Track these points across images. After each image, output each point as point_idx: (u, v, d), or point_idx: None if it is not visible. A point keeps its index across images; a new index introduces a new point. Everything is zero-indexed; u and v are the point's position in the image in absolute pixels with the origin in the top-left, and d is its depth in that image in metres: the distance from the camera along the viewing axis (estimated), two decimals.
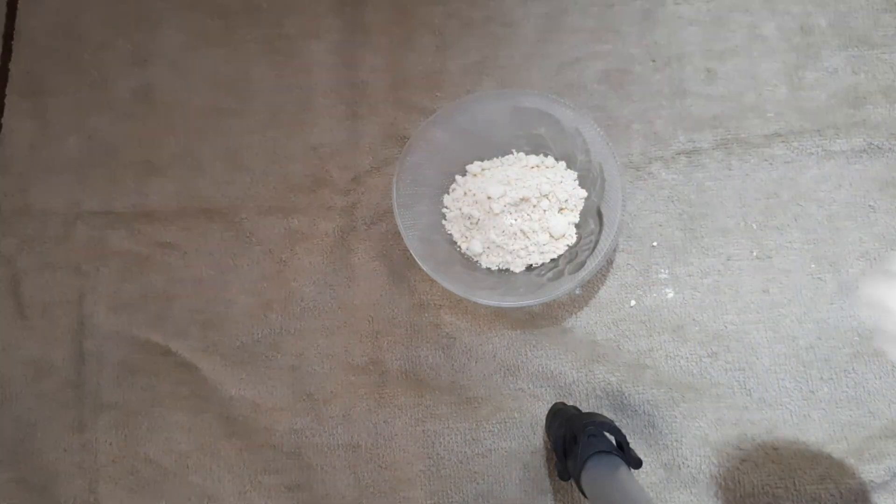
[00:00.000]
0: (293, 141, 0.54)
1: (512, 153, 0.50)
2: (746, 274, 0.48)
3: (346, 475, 0.47)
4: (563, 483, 0.45)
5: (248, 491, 0.47)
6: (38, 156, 0.55)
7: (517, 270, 0.47)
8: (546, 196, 0.47)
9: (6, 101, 0.57)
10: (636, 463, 0.38)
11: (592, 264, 0.44)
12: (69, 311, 0.51)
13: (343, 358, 0.49)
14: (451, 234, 0.49)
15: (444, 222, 0.49)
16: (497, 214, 0.46)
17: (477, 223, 0.48)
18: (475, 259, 0.48)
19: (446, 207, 0.50)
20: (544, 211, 0.47)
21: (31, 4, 0.59)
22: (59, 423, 0.49)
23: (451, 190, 0.50)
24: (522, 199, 0.46)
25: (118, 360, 0.50)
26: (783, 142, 0.50)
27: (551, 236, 0.47)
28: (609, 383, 0.46)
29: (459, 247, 0.49)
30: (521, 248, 0.47)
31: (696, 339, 0.47)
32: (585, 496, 0.38)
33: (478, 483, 0.46)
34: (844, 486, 0.43)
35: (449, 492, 0.46)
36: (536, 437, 0.46)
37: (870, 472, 0.44)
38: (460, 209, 0.48)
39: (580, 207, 0.48)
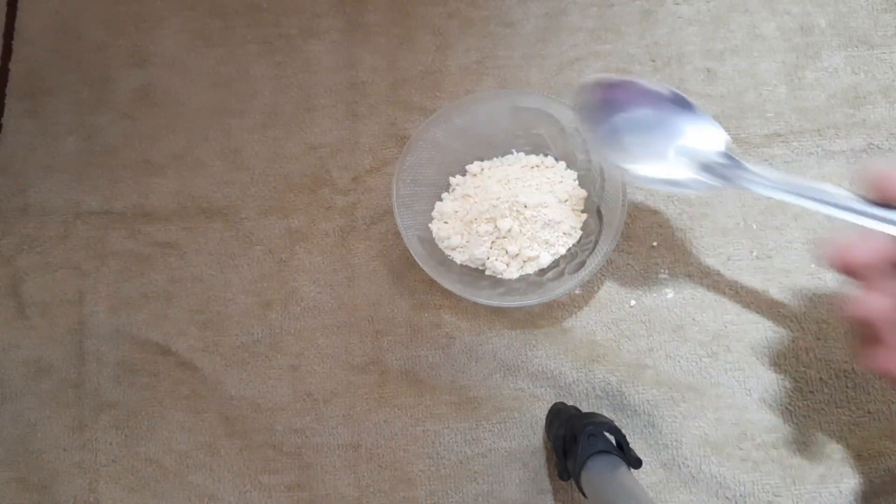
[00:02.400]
0: (293, 141, 0.54)
1: (512, 153, 0.50)
2: (746, 274, 0.48)
3: (346, 475, 0.47)
4: (563, 483, 0.45)
5: (249, 490, 0.47)
6: (38, 155, 0.55)
7: None
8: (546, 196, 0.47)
9: (6, 101, 0.57)
10: (636, 463, 0.38)
11: (592, 264, 0.44)
12: (69, 311, 0.51)
13: (343, 358, 0.49)
14: None
15: None
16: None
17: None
18: None
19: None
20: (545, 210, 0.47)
21: (31, 4, 0.59)
22: (58, 423, 0.49)
23: (451, 189, 0.50)
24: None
25: (118, 360, 0.50)
26: (783, 142, 0.50)
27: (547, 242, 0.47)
28: (609, 383, 0.46)
29: None
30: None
31: (696, 339, 0.47)
32: (585, 496, 0.38)
33: (478, 483, 0.46)
34: (844, 486, 0.43)
35: (449, 491, 0.46)
36: (536, 437, 0.46)
37: (870, 472, 0.44)
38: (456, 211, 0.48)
39: (580, 207, 0.48)
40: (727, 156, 0.37)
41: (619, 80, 0.40)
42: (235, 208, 0.52)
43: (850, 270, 0.28)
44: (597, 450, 0.38)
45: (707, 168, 0.37)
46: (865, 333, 0.28)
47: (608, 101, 0.40)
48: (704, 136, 0.38)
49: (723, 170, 0.36)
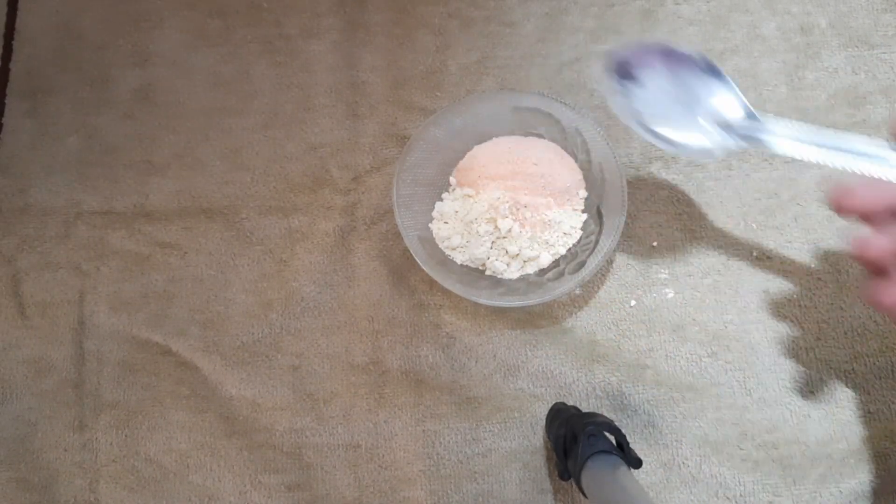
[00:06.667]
0: (293, 140, 0.54)
1: None
2: (746, 274, 0.48)
3: (346, 475, 0.47)
4: (563, 483, 0.45)
5: (249, 490, 0.47)
6: (38, 155, 0.55)
7: None
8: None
9: (6, 101, 0.57)
10: (636, 463, 0.38)
11: (592, 264, 0.44)
12: (69, 311, 0.51)
13: (343, 358, 0.49)
14: None
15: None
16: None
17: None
18: None
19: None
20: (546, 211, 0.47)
21: (31, 4, 0.59)
22: (59, 423, 0.49)
23: (451, 189, 0.50)
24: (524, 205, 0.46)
25: (118, 360, 0.50)
26: None
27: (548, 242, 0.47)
28: (609, 383, 0.47)
29: None
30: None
31: (696, 339, 0.47)
32: (585, 496, 0.38)
33: (478, 482, 0.46)
34: (844, 486, 0.44)
35: (449, 491, 0.46)
36: (536, 437, 0.46)
37: (870, 471, 0.44)
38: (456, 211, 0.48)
39: (580, 207, 0.48)
40: (750, 115, 0.37)
41: (648, 45, 0.41)
42: (236, 208, 0.52)
43: (858, 214, 0.30)
44: (597, 450, 0.38)
45: (730, 129, 0.38)
46: (872, 272, 0.30)
47: (636, 66, 0.41)
48: (727, 101, 0.39)
49: (745, 130, 0.37)
